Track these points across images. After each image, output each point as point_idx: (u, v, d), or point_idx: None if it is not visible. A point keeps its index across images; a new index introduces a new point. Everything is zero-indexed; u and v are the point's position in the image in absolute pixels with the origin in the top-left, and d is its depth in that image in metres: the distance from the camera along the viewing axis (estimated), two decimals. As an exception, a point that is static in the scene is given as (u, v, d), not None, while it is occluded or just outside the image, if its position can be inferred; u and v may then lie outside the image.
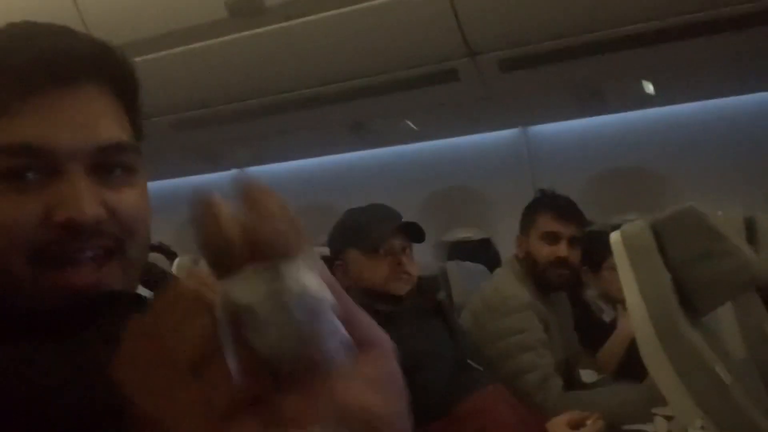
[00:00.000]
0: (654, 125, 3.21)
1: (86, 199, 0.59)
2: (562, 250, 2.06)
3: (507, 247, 3.45)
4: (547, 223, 2.10)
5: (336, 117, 3.20)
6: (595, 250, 2.37)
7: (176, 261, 3.25)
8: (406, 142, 3.69)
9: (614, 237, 1.41)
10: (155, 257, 1.57)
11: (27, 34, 0.62)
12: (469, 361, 1.69)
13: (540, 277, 2.09)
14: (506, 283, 2.10)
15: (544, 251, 2.09)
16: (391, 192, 3.48)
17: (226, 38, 2.55)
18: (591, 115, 3.23)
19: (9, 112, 0.59)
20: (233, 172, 4.27)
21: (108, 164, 0.63)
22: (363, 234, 1.68)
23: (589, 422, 1.42)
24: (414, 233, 1.72)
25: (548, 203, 2.17)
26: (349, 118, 3.23)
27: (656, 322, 1.33)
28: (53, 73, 0.60)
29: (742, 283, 1.28)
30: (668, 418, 1.56)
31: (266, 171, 4.21)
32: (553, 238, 2.08)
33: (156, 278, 0.75)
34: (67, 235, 0.59)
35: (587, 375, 2.35)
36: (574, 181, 3.27)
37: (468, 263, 3.20)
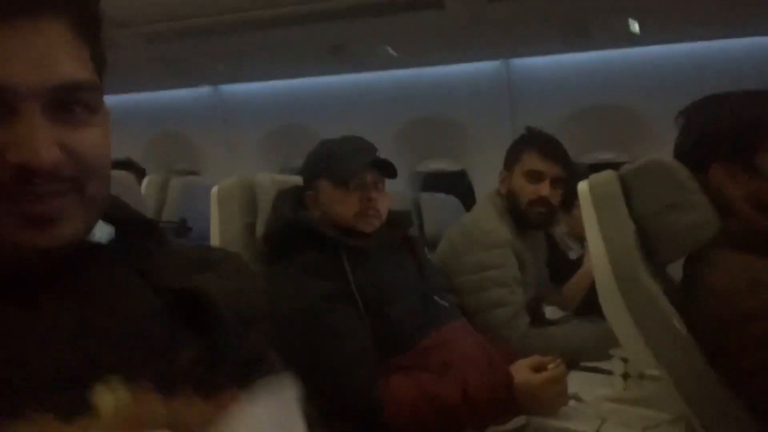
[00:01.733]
0: (638, 65, 3.18)
1: (42, 142, 0.57)
2: (544, 189, 2.06)
3: (482, 180, 3.46)
4: (532, 161, 2.09)
5: (315, 38, 3.12)
6: (568, 189, 2.38)
7: (145, 179, 3.21)
8: (385, 69, 3.61)
9: (582, 186, 1.42)
10: (122, 175, 1.53)
11: None
12: (435, 297, 1.71)
13: (520, 214, 2.10)
14: (487, 218, 2.11)
15: (526, 189, 2.09)
16: (369, 118, 3.45)
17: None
18: (575, 50, 3.18)
19: None
20: (207, 89, 4.19)
21: (67, 102, 0.60)
22: (334, 166, 1.65)
23: (550, 366, 1.46)
24: (386, 168, 1.71)
25: (535, 141, 2.15)
26: (328, 40, 3.15)
27: (617, 269, 1.35)
28: (10, 5, 0.57)
29: (703, 236, 1.29)
30: (625, 360, 1.61)
31: (242, 90, 4.13)
32: (536, 176, 2.08)
33: (119, 213, 0.74)
34: (21, 178, 0.57)
35: (551, 311, 2.41)
36: (555, 116, 3.25)
37: (441, 195, 3.20)
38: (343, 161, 1.65)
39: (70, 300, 0.61)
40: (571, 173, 2.21)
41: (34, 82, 0.57)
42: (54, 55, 0.59)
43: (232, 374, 0.68)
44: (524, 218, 2.10)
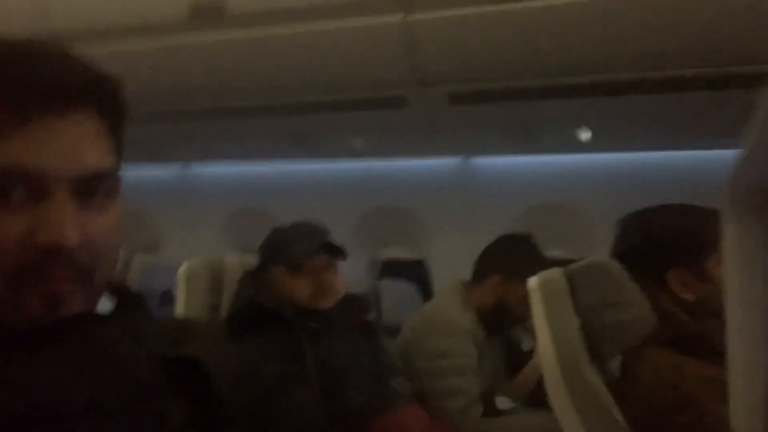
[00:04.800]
0: (588, 168, 3.37)
1: (69, 224, 0.63)
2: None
3: (439, 269, 3.55)
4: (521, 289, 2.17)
5: (281, 128, 3.23)
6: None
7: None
8: (348, 159, 3.74)
9: (532, 282, 1.52)
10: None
11: (22, 56, 0.64)
12: (389, 381, 1.75)
13: (497, 320, 2.16)
14: (451, 306, 2.16)
15: (519, 310, 2.17)
16: (331, 205, 3.53)
17: (185, 40, 2.57)
18: (529, 153, 3.35)
19: (2, 136, 0.61)
20: (174, 168, 4.25)
21: (91, 189, 0.67)
22: (286, 251, 1.71)
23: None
24: (337, 250, 1.77)
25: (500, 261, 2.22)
26: (293, 129, 3.26)
27: (562, 361, 1.44)
28: (48, 101, 0.63)
29: (638, 333, 1.39)
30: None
31: (206, 171, 4.20)
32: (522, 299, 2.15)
33: (120, 293, 0.79)
34: (47, 257, 0.63)
35: (502, 402, 2.45)
36: (510, 212, 3.39)
37: (401, 284, 3.26)
38: (294, 246, 1.71)
39: (74, 351, 0.65)
40: None
41: (65, 170, 0.64)
42: (84, 145, 0.66)
43: None
44: (499, 323, 2.15)
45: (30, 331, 0.64)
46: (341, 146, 3.48)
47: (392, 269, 3.93)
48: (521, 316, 2.15)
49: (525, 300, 2.04)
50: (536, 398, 2.30)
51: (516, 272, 2.17)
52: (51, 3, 2.50)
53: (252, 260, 1.89)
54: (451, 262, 2.31)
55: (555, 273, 1.51)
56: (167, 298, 2.82)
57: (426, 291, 3.40)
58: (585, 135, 2.88)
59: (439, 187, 3.60)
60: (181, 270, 1.76)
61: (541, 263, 2.09)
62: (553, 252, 3.38)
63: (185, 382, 0.73)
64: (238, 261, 1.82)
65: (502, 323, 2.18)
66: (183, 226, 4.22)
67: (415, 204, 3.68)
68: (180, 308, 1.72)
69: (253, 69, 2.67)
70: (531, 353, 2.59)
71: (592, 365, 1.44)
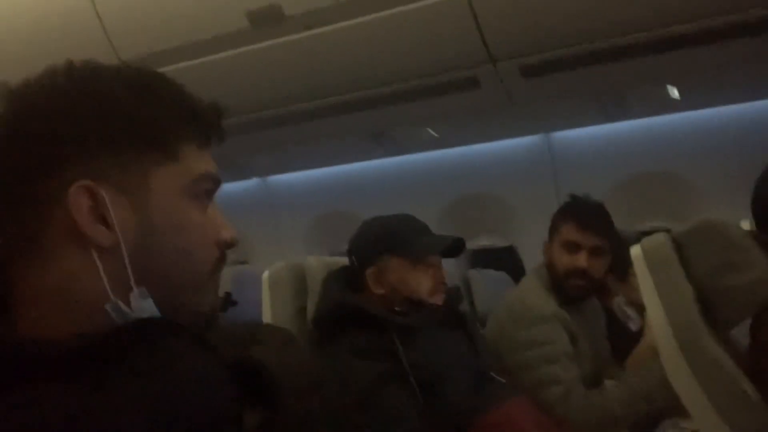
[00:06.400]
0: (679, 130, 3.16)
1: None
2: (581, 260, 2.03)
3: (530, 255, 3.43)
4: (569, 232, 2.07)
5: (357, 126, 3.20)
6: (620, 257, 2.33)
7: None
8: (427, 150, 3.67)
9: (635, 251, 1.40)
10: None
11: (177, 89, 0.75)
12: (492, 373, 1.67)
13: (559, 286, 2.06)
14: (532, 292, 2.07)
15: (563, 260, 2.06)
16: (413, 199, 3.48)
17: (247, 48, 2.57)
18: (614, 120, 3.18)
19: (195, 152, 0.73)
20: (253, 180, 4.30)
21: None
22: (407, 243, 1.67)
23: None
24: (455, 247, 1.73)
25: (572, 211, 2.13)
26: (369, 126, 3.23)
27: (678, 335, 1.31)
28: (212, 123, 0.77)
29: (764, 295, 1.25)
30: (694, 432, 1.53)
31: (287, 179, 4.23)
32: (573, 247, 2.05)
33: None
34: (224, 254, 0.75)
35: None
36: (599, 187, 3.22)
37: (491, 271, 3.17)
38: (417, 239, 1.67)
39: (138, 377, 0.62)
40: (616, 242, 2.17)
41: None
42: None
43: None
44: (563, 290, 2.06)
45: (85, 355, 0.60)
46: (419, 138, 3.43)
47: (482, 258, 3.83)
48: (568, 281, 2.03)
49: (563, 260, 2.03)
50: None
51: (550, 234, 2.16)
52: (108, 28, 2.55)
53: (334, 260, 1.85)
54: (542, 246, 2.19)
55: (659, 238, 1.38)
56: (228, 302, 2.85)
57: (518, 278, 3.29)
58: (673, 92, 2.69)
59: (522, 167, 3.48)
60: (264, 276, 1.74)
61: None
62: (653, 223, 3.20)
63: (254, 388, 0.72)
64: (320, 262, 1.78)
65: (562, 290, 2.05)
66: (269, 238, 4.27)
67: (499, 189, 3.58)
68: (266, 315, 1.70)
69: (320, 69, 2.65)
70: (641, 332, 2.44)
71: (713, 336, 1.31)
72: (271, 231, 4.28)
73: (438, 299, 1.65)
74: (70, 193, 0.64)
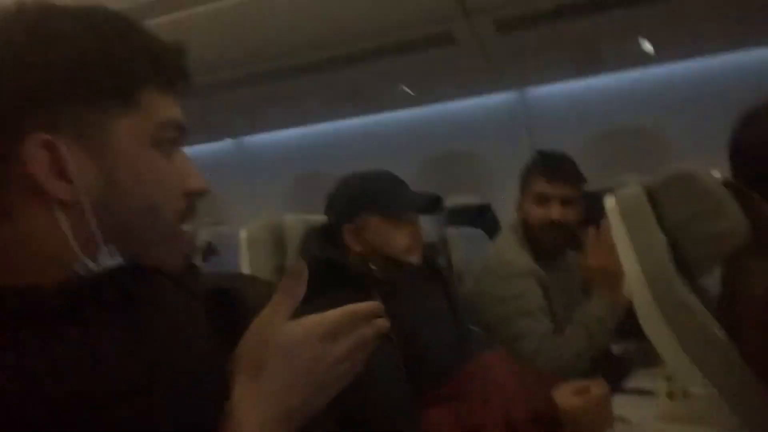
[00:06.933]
0: (652, 84, 3.17)
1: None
2: (554, 212, 2.04)
3: (506, 212, 3.45)
4: (538, 184, 2.08)
5: (331, 84, 3.17)
6: (592, 211, 2.36)
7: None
8: (402, 108, 3.65)
9: (609, 202, 1.40)
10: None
11: (141, 30, 0.71)
12: (470, 326, 1.69)
13: (535, 241, 2.08)
14: (507, 248, 2.09)
15: (536, 213, 2.07)
16: (390, 157, 3.46)
17: (219, 4, 2.51)
18: (589, 75, 3.18)
19: (154, 98, 0.69)
20: (227, 142, 4.25)
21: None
22: (386, 200, 1.65)
23: (594, 389, 1.42)
24: (434, 205, 1.71)
25: (539, 164, 2.14)
26: (344, 84, 3.20)
27: (652, 284, 1.33)
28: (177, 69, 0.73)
29: (733, 243, 1.27)
30: (669, 379, 1.57)
31: (262, 140, 4.19)
32: (543, 199, 2.06)
33: None
34: (193, 204, 0.72)
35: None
36: (573, 142, 3.24)
37: (467, 229, 3.18)
38: (395, 196, 1.65)
39: (118, 319, 0.62)
40: (588, 197, 2.19)
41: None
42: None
43: None
44: (540, 244, 2.08)
45: (66, 298, 0.60)
46: (394, 96, 3.40)
47: (458, 216, 3.84)
48: (543, 234, 2.06)
49: (535, 214, 2.04)
50: (624, 329, 2.20)
51: (520, 189, 2.17)
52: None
53: (312, 218, 1.84)
54: (518, 202, 2.20)
55: (633, 190, 1.39)
56: (209, 251, 2.85)
57: (495, 236, 3.31)
58: (646, 46, 2.69)
59: (497, 124, 3.47)
60: (242, 234, 1.72)
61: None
62: (627, 177, 3.22)
63: (231, 323, 0.71)
64: (298, 219, 1.77)
65: (538, 245, 2.08)
66: (245, 200, 4.24)
67: (474, 146, 3.58)
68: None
69: (292, 25, 2.60)
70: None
71: (686, 285, 1.33)
72: (247, 193, 4.25)
73: (415, 257, 1.64)
74: (25, 147, 0.61)
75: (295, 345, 0.67)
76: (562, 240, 2.08)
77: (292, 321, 0.67)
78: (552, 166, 2.10)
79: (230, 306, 0.73)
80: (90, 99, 0.64)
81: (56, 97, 0.63)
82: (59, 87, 0.63)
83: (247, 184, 4.27)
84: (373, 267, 1.58)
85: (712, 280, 1.40)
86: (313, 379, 0.67)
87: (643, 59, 2.92)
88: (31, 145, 0.61)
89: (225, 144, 4.26)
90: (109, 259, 0.64)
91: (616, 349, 2.19)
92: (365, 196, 1.67)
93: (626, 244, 1.37)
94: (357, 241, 1.65)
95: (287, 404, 0.64)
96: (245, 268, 1.70)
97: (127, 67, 0.67)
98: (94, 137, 0.64)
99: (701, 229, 1.31)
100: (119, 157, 0.65)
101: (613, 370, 1.88)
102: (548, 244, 2.07)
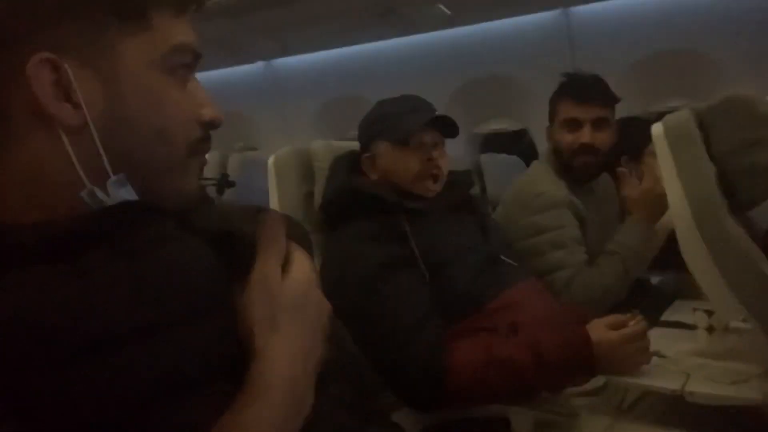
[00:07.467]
0: (704, 6, 3.00)
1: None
2: (584, 135, 1.96)
3: (544, 138, 3.36)
4: (567, 108, 1.99)
5: (364, 3, 3.05)
6: (635, 136, 2.26)
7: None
8: (438, 28, 3.52)
9: (656, 128, 1.32)
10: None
11: None
12: (502, 256, 1.64)
13: (568, 169, 2.01)
14: (541, 177, 2.02)
15: (567, 139, 1.99)
16: (424, 81, 3.37)
17: None
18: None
19: (167, 22, 0.65)
20: (258, 65, 4.18)
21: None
22: (393, 125, 1.60)
23: (631, 323, 1.38)
24: (447, 127, 1.65)
25: (567, 88, 2.04)
26: (378, 3, 3.08)
27: (698, 215, 1.26)
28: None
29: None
30: (709, 313, 1.52)
31: (293, 63, 4.11)
32: (574, 124, 1.98)
33: None
34: (206, 133, 0.69)
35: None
36: (619, 65, 3.11)
37: (502, 155, 3.13)
38: (401, 120, 1.60)
39: (121, 259, 0.60)
40: (632, 123, 2.09)
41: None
42: None
43: None
44: (572, 171, 2.00)
45: (65, 239, 0.58)
46: (430, 15, 3.28)
47: (494, 143, 3.76)
48: (575, 160, 1.97)
49: (566, 140, 1.95)
50: (663, 262, 2.14)
51: (550, 116, 2.07)
52: None
53: (340, 144, 1.80)
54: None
55: (682, 116, 1.30)
56: (223, 183, 2.85)
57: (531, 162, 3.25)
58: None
59: (538, 46, 3.33)
60: (270, 161, 1.69)
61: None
62: (674, 102, 3.09)
63: (239, 263, 0.68)
64: (327, 146, 1.73)
65: (570, 171, 2.00)
66: (276, 124, 4.20)
67: (513, 69, 3.45)
68: (273, 200, 1.67)
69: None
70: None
71: (733, 216, 1.26)
72: (277, 116, 4.21)
73: (425, 189, 1.58)
74: (29, 67, 0.58)
75: (300, 295, 0.65)
76: (596, 165, 2.01)
77: (289, 272, 0.66)
78: (580, 88, 2.00)
79: (233, 247, 0.69)
80: (98, 18, 0.61)
81: (62, 15, 0.60)
82: (66, 3, 0.60)
83: (277, 108, 4.22)
84: (382, 197, 1.54)
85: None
86: (322, 322, 0.67)
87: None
88: (35, 63, 0.58)
89: (256, 66, 4.19)
90: (119, 188, 0.62)
91: (654, 280, 2.14)
92: (377, 122, 1.63)
93: (672, 172, 1.30)
94: (374, 169, 1.62)
95: (306, 353, 0.64)
96: (273, 195, 1.67)
97: None
98: (102, 59, 0.61)
99: (753, 158, 1.23)
100: (128, 81, 0.63)
101: (650, 302, 1.83)
102: (580, 170, 2.00)
